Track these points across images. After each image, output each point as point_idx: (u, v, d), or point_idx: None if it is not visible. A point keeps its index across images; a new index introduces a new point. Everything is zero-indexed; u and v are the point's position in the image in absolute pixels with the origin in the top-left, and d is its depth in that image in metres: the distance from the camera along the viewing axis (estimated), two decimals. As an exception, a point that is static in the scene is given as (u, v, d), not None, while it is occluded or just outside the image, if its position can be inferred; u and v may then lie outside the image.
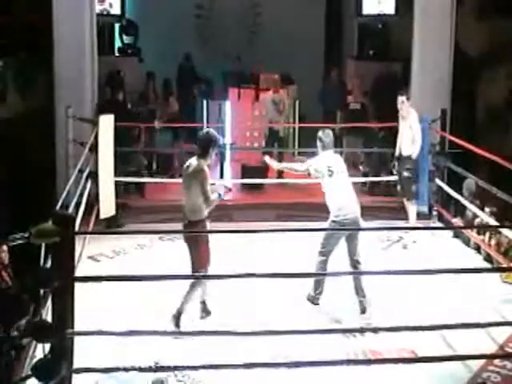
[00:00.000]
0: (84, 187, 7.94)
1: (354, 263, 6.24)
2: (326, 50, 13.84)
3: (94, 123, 8.40)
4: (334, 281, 6.31)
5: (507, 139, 9.91)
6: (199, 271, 5.76)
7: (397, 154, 8.30)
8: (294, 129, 12.41)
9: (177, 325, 5.80)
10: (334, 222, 6.16)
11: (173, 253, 7.76)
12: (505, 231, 7.24)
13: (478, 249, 7.98)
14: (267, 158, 6.89)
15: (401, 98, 8.17)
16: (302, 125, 12.07)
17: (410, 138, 8.12)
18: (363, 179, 10.05)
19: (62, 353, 3.98)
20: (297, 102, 12.45)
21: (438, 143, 9.18)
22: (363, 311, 6.20)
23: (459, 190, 8.48)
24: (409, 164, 8.18)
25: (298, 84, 12.45)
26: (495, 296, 6.74)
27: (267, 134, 11.08)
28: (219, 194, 5.93)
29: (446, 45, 9.75)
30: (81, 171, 7.95)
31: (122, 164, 9.00)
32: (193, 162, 5.91)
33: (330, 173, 6.27)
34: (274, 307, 6.27)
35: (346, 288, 6.27)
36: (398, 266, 6.75)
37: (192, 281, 5.88)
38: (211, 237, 6.02)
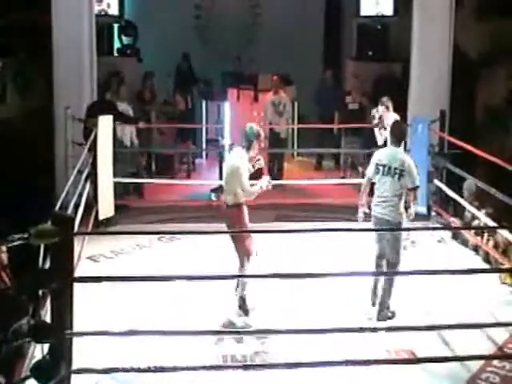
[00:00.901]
0: (83, 188, 7.95)
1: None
2: (325, 51, 13.83)
3: (93, 124, 8.40)
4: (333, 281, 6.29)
5: (506, 140, 9.91)
6: (245, 258, 6.10)
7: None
8: (292, 130, 12.41)
9: (245, 312, 6.10)
10: None
11: (172, 253, 7.79)
12: (502, 232, 7.25)
13: (476, 250, 7.98)
14: None
15: (381, 108, 8.15)
16: (300, 126, 12.07)
17: None
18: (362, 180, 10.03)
19: (61, 353, 3.98)
20: (295, 103, 12.45)
21: (437, 144, 9.19)
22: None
23: (458, 191, 8.48)
24: None
25: (297, 85, 12.45)
26: (494, 297, 6.75)
27: (268, 136, 11.06)
28: (261, 186, 6.33)
29: (445, 45, 9.76)
30: (80, 172, 7.96)
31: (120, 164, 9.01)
32: (236, 153, 6.35)
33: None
34: (272, 308, 6.28)
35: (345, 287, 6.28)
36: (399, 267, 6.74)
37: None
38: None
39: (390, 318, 6.18)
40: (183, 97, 11.72)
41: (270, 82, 11.21)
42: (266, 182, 6.34)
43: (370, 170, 6.34)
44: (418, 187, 6.27)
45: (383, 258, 6.29)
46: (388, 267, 6.21)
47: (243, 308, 6.15)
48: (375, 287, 6.26)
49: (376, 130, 8.61)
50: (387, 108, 8.42)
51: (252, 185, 6.26)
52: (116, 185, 8.81)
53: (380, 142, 8.41)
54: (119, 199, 8.99)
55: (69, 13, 9.21)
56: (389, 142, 6.58)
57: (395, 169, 6.11)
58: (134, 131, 9.94)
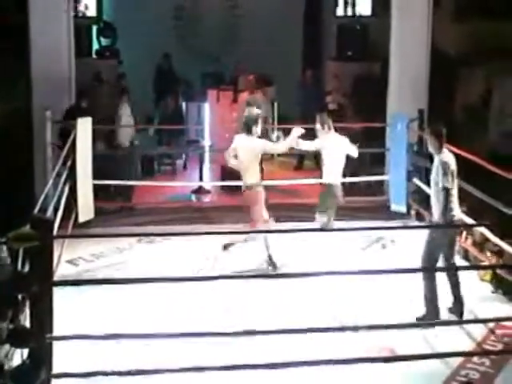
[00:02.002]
0: (62, 190, 7.90)
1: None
2: (305, 51, 13.86)
3: (72, 126, 8.36)
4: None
5: (484, 139, 10.00)
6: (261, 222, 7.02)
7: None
8: (272, 130, 12.40)
9: (274, 266, 7.11)
10: None
11: (152, 255, 7.77)
12: (479, 230, 7.32)
13: (455, 248, 8.05)
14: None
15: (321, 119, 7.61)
16: (280, 126, 12.07)
17: None
18: (341, 179, 10.06)
19: (41, 358, 3.96)
20: (275, 104, 12.46)
21: (416, 143, 9.25)
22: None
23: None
24: None
25: (277, 85, 12.46)
26: (473, 294, 6.80)
27: None
28: (293, 135, 7.12)
29: (424, 45, 9.82)
30: (59, 174, 7.91)
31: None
32: (244, 140, 7.13)
33: None
34: (253, 308, 6.29)
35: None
36: (377, 265, 6.78)
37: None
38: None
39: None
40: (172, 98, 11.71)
41: (249, 83, 11.21)
42: (297, 130, 7.08)
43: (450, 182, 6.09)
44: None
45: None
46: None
47: (272, 263, 7.11)
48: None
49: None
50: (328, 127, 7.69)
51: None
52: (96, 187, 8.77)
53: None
54: (99, 201, 8.94)
55: (46, 14, 9.15)
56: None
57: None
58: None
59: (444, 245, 6.16)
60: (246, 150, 7.11)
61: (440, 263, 6.20)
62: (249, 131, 7.09)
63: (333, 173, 7.46)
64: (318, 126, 7.57)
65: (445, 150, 6.23)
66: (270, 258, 7.20)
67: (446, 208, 6.01)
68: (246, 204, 7.27)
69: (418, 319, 6.04)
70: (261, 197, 7.20)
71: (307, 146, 7.62)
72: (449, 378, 5.29)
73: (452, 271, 6.23)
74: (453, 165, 6.14)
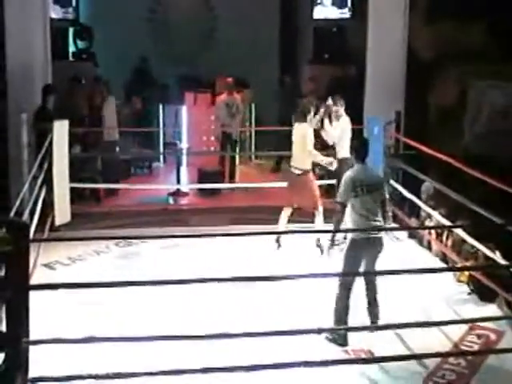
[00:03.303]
0: (38, 194, 7.84)
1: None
2: (282, 54, 13.90)
3: (49, 129, 8.30)
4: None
5: (459, 141, 10.09)
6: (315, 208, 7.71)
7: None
8: (250, 132, 12.44)
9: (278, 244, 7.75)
10: None
11: (128, 259, 7.73)
12: (457, 231, 7.38)
13: (432, 249, 8.11)
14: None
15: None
16: (257, 128, 12.12)
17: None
18: (319, 182, 10.11)
19: (17, 362, 3.93)
20: (253, 106, 12.49)
21: (393, 145, 9.31)
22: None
23: (413, 191, 8.61)
24: None
25: (254, 88, 12.49)
26: (449, 295, 6.87)
27: (220, 138, 11.09)
28: (322, 160, 7.85)
29: (399, 48, 9.88)
30: (35, 177, 7.85)
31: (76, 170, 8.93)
32: (300, 127, 7.85)
33: None
34: (231, 311, 6.29)
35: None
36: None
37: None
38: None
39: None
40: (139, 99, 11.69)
41: (226, 85, 11.22)
42: (329, 160, 7.78)
43: (344, 195, 5.88)
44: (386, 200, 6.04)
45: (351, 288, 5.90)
46: (369, 285, 5.98)
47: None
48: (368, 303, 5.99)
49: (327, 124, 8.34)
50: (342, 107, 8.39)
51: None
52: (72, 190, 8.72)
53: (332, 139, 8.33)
54: (75, 204, 8.89)
55: (22, 16, 9.07)
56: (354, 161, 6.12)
57: (374, 184, 5.87)
58: None
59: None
60: (295, 139, 7.84)
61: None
62: (303, 119, 7.80)
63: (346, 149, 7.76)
64: (339, 108, 8.21)
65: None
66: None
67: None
68: (294, 189, 7.84)
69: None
70: (310, 181, 7.85)
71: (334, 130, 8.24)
72: (425, 379, 5.34)
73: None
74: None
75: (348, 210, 5.83)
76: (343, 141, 8.15)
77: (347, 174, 5.92)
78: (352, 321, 5.79)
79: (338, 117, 8.28)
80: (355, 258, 5.76)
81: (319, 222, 7.84)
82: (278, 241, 7.89)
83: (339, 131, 8.22)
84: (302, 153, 7.77)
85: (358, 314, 6.21)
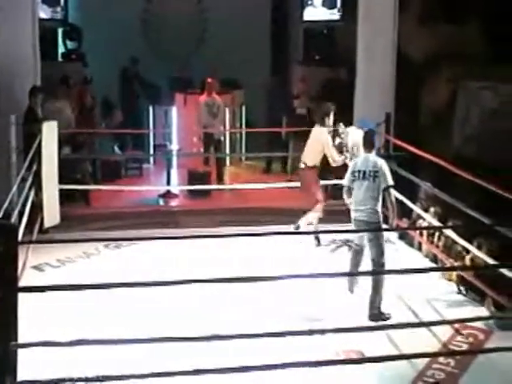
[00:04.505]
0: (27, 195, 7.80)
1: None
2: (273, 55, 13.91)
3: (38, 130, 8.26)
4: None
5: (449, 142, 10.12)
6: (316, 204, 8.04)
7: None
8: (240, 133, 12.44)
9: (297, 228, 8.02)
10: None
11: (119, 260, 7.71)
12: (447, 231, 7.40)
13: (421, 249, 8.14)
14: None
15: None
16: (248, 130, 12.12)
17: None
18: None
19: (6, 366, 3.90)
20: (243, 107, 12.49)
21: (383, 146, 9.32)
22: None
23: (403, 193, 8.61)
24: None
25: (245, 89, 12.49)
26: (439, 295, 6.88)
27: (202, 138, 11.10)
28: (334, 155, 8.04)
29: (390, 49, 9.92)
30: (24, 179, 7.81)
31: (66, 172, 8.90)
32: (316, 129, 8.20)
33: None
34: (222, 311, 6.27)
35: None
36: (344, 268, 6.82)
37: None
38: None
39: (383, 320, 6.28)
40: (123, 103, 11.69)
41: (215, 86, 11.23)
42: (342, 157, 7.99)
43: (346, 180, 6.73)
44: (390, 187, 6.52)
45: (361, 254, 6.67)
46: (374, 267, 6.42)
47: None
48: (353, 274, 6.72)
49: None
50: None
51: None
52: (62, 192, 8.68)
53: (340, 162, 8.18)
54: (65, 206, 8.85)
55: (11, 16, 9.03)
56: (360, 149, 7.03)
57: (370, 171, 6.49)
58: None
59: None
60: (313, 139, 8.16)
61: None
62: (320, 123, 8.14)
63: None
64: (341, 126, 8.28)
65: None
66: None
67: None
68: (301, 183, 8.33)
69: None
70: (312, 175, 8.17)
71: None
72: (415, 379, 5.35)
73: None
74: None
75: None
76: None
77: (352, 161, 6.92)
78: (345, 321, 5.79)
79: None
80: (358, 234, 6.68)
81: (309, 217, 8.04)
82: (317, 238, 8.19)
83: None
84: (311, 153, 8.18)
85: (352, 314, 6.24)
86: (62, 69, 11.52)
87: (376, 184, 6.47)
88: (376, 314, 6.31)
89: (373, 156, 6.68)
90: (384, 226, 6.79)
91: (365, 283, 6.64)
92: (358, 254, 6.72)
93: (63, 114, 9.75)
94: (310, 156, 8.19)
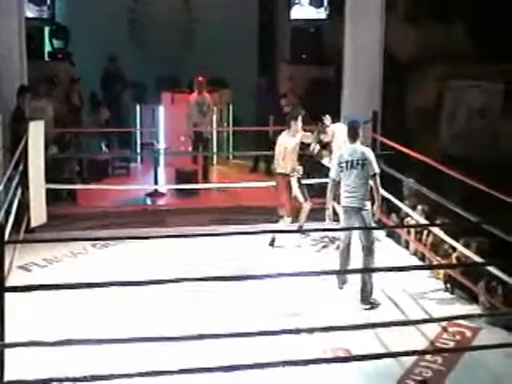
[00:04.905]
0: (14, 195, 7.76)
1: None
2: (260, 54, 13.92)
3: (24, 130, 8.22)
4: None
5: (435, 141, 10.17)
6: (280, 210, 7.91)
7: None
8: (227, 132, 12.44)
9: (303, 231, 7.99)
10: None
11: (107, 260, 7.69)
12: (434, 229, 7.44)
13: (409, 247, 8.16)
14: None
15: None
16: (236, 128, 12.11)
17: None
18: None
19: (-8, 365, 3.89)
20: (231, 106, 12.49)
21: (370, 145, 9.33)
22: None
23: (391, 191, 8.64)
24: None
25: (233, 88, 12.48)
26: (427, 293, 6.91)
27: (192, 137, 11.10)
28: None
29: (377, 48, 9.92)
30: (10, 179, 7.76)
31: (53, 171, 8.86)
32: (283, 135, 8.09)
33: None
34: (208, 310, 6.27)
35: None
36: (332, 266, 6.84)
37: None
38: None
39: (372, 307, 6.45)
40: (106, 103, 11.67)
41: (202, 85, 11.23)
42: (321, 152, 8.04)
43: (333, 172, 6.79)
44: (376, 174, 6.73)
45: (350, 244, 6.78)
46: (364, 250, 6.57)
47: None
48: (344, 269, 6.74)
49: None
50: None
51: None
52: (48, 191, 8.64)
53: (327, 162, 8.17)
54: (51, 206, 8.81)
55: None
56: (346, 142, 7.03)
57: (357, 160, 6.65)
58: None
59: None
60: (285, 144, 7.99)
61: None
62: (287, 126, 8.04)
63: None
64: (327, 118, 8.17)
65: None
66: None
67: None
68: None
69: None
70: (280, 183, 7.99)
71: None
72: (403, 377, 5.36)
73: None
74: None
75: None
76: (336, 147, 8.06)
77: (338, 153, 6.95)
78: (330, 320, 5.80)
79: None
80: (347, 222, 6.70)
81: (280, 225, 7.88)
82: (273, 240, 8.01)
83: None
84: (276, 159, 8.01)
85: (339, 312, 6.26)
86: (48, 68, 11.47)
87: (365, 171, 6.66)
88: (367, 298, 6.48)
89: (359, 146, 6.84)
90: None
91: (354, 280, 6.66)
92: (345, 250, 6.75)
93: (46, 112, 9.69)
94: (277, 162, 8.02)
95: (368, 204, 6.68)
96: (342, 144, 7.76)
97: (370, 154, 6.77)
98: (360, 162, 6.66)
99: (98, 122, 11.42)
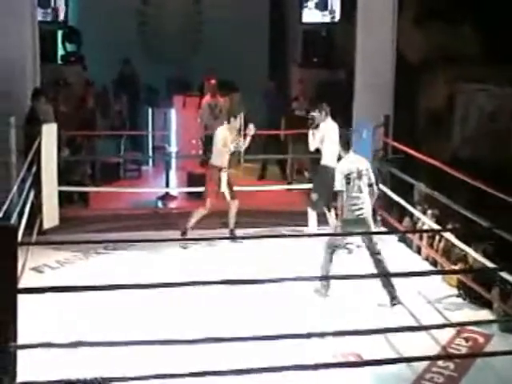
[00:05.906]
0: (27, 197, 7.80)
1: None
2: (271, 57, 13.93)
3: (38, 132, 8.26)
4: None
5: (447, 144, 10.13)
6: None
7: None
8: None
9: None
10: None
11: (118, 262, 7.71)
12: (446, 234, 7.41)
13: (421, 252, 8.14)
14: None
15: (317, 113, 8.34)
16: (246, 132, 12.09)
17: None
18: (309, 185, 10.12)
19: (5, 367, 3.90)
20: (242, 109, 12.47)
21: (381, 149, 9.33)
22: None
23: (402, 195, 8.63)
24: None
25: (243, 91, 12.49)
26: (438, 299, 6.89)
27: (203, 140, 11.11)
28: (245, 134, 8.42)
29: (388, 51, 9.93)
30: (23, 181, 7.81)
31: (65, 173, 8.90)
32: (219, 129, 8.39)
33: None
34: (219, 315, 6.28)
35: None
36: (344, 271, 6.82)
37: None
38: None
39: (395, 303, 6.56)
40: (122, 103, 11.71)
41: (213, 88, 11.25)
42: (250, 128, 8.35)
43: (338, 184, 6.80)
44: (373, 184, 6.90)
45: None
46: (372, 257, 6.70)
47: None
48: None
49: (310, 132, 8.46)
50: (326, 114, 8.40)
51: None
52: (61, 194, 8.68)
53: (312, 147, 8.40)
54: (64, 208, 8.85)
55: (10, 19, 9.04)
56: (341, 152, 7.11)
57: (361, 171, 6.80)
58: None
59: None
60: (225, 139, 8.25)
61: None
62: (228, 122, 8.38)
63: (332, 156, 7.94)
64: (316, 113, 8.26)
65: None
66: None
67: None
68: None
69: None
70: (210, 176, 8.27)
71: (313, 139, 8.33)
72: (414, 382, 5.34)
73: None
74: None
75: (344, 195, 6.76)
76: (324, 148, 8.19)
77: (339, 164, 6.94)
78: (342, 324, 5.79)
79: (316, 125, 8.29)
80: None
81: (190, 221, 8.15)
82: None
83: (318, 139, 8.24)
84: (213, 152, 8.37)
85: (348, 317, 6.24)
86: (61, 71, 11.54)
87: (368, 181, 6.84)
88: (395, 297, 6.57)
89: (356, 156, 6.98)
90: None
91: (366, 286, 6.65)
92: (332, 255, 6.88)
93: (48, 114, 9.74)
94: (214, 154, 8.32)
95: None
96: (334, 138, 7.92)
97: (368, 163, 6.97)
98: (364, 171, 6.81)
99: (112, 125, 11.44)
